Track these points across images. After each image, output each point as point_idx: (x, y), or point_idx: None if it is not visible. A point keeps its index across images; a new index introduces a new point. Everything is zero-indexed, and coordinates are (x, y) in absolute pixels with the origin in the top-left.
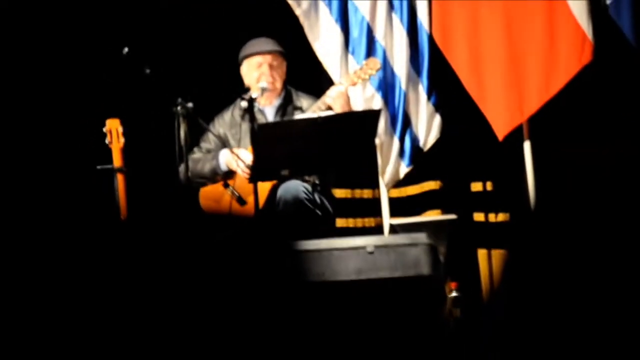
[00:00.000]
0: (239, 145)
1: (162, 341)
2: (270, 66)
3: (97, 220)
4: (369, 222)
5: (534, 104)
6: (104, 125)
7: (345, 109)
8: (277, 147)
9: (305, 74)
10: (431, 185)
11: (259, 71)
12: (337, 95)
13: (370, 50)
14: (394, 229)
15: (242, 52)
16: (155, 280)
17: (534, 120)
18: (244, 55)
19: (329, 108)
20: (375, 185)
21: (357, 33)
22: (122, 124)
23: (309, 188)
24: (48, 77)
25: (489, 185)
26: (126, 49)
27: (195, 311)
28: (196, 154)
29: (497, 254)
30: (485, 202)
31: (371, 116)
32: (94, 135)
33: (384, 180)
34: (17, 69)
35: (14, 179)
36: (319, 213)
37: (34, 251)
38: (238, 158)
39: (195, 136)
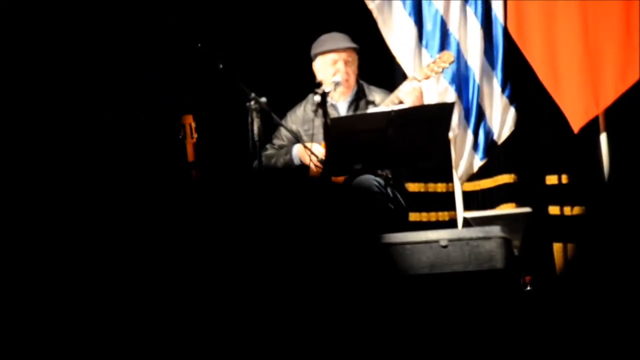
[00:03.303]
0: (311, 141)
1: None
2: (345, 63)
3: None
4: (443, 216)
5: (609, 96)
6: (177, 121)
7: (417, 104)
8: (349, 141)
9: (378, 67)
10: (505, 178)
11: (334, 68)
12: (410, 90)
13: (443, 44)
14: (467, 223)
15: (316, 49)
16: (227, 272)
17: (610, 112)
18: (319, 52)
19: (402, 103)
20: (449, 178)
21: (430, 26)
22: (196, 119)
23: (382, 182)
24: (122, 73)
25: (565, 178)
26: (199, 44)
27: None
28: (269, 151)
29: (573, 247)
30: (560, 195)
31: (445, 109)
32: (167, 130)
33: (457, 173)
34: (89, 63)
35: (88, 174)
36: (392, 207)
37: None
38: (311, 153)
39: (268, 132)
